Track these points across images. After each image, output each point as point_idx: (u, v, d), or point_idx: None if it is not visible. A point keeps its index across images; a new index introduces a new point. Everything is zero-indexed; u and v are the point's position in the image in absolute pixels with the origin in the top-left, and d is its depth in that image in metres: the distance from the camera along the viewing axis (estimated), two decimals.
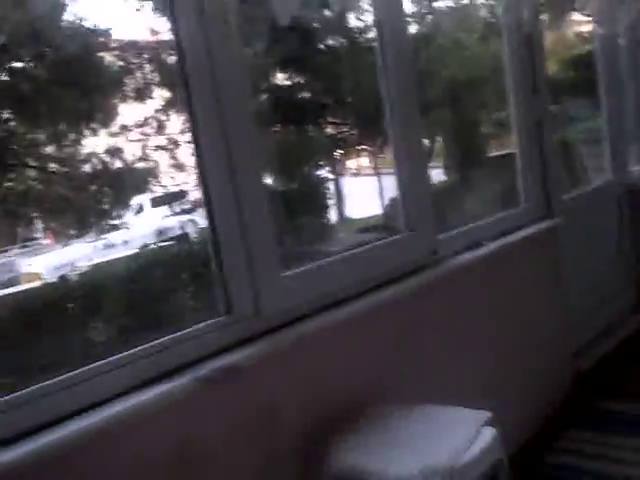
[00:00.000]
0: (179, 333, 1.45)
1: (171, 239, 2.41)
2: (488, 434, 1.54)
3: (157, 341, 1.41)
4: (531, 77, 2.61)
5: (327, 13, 2.10)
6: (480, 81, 3.31)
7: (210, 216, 1.52)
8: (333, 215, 3.04)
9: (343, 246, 2.48)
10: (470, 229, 2.39)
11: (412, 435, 1.59)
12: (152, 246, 2.27)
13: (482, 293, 2.31)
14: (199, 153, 1.51)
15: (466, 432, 1.55)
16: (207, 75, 1.46)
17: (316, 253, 2.44)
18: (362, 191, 3.24)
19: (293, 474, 1.60)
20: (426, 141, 3.41)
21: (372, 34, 2.04)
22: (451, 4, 2.33)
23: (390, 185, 2.24)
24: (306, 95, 2.96)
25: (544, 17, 2.45)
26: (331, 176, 3.09)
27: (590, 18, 2.73)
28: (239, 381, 1.47)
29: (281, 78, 2.84)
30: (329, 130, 3.15)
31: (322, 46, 2.84)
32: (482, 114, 3.58)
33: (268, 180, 2.55)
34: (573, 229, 2.91)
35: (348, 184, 3.14)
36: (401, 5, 2.00)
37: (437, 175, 3.44)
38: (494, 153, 3.67)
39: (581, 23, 3.58)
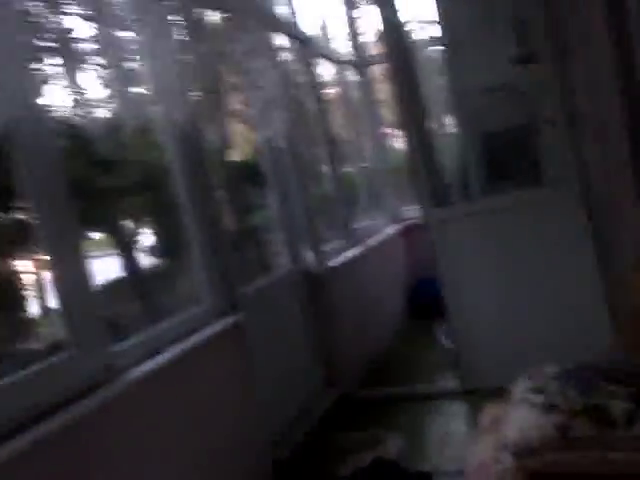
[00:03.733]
0: None
1: None
2: None
3: None
4: (198, 171, 2.65)
5: None
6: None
7: None
8: (34, 309, 2.63)
9: (47, 342, 2.16)
10: (152, 333, 2.26)
11: None
12: None
13: (168, 401, 2.16)
14: None
15: None
16: None
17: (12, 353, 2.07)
18: None
19: None
20: (131, 225, 3.25)
21: None
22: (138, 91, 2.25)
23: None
24: None
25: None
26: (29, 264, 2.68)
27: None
28: None
29: None
30: (20, 216, 2.77)
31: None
32: None
33: None
34: (260, 318, 2.97)
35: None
36: (36, 95, 1.84)
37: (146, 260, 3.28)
38: None
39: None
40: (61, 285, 1.87)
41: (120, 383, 1.93)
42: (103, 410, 1.82)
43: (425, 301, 4.88)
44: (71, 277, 1.89)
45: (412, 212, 5.47)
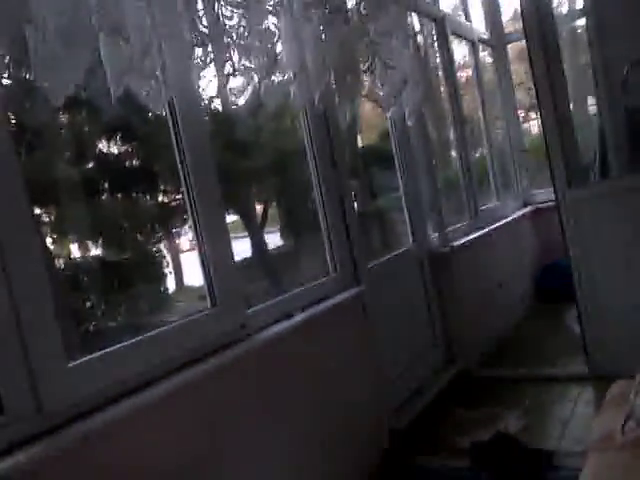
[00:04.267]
0: None
1: None
2: None
3: None
4: (329, 153, 2.78)
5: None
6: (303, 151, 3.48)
7: None
8: (172, 284, 2.94)
9: (183, 314, 2.41)
10: (281, 300, 2.43)
11: None
12: None
13: (294, 363, 2.33)
14: None
15: None
16: None
17: (150, 324, 2.35)
18: None
19: None
20: (259, 207, 3.49)
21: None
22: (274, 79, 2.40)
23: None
24: (135, 163, 2.90)
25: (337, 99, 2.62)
26: (167, 244, 2.99)
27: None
28: None
29: (107, 146, 2.75)
30: (162, 199, 3.09)
31: (149, 115, 2.81)
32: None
33: (97, 251, 2.44)
34: (383, 292, 3.08)
35: (189, 251, 3.07)
36: (195, 80, 2.02)
37: (274, 239, 3.51)
38: None
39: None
40: (207, 258, 2.06)
41: (252, 341, 2.11)
42: (237, 363, 2.01)
43: (553, 285, 4.75)
44: (216, 252, 2.07)
45: (543, 195, 5.31)
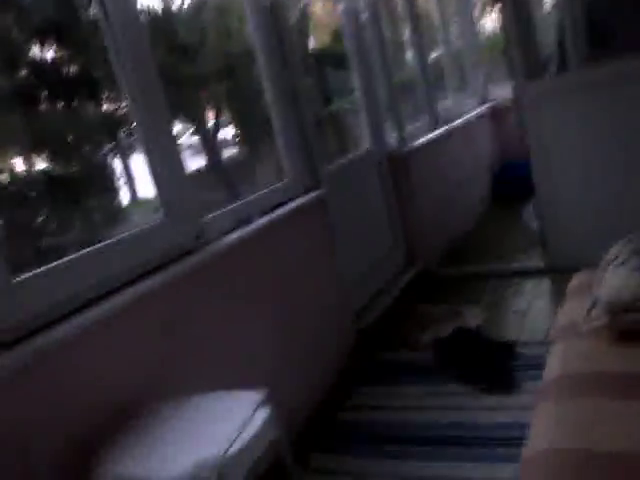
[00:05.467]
0: None
1: None
2: (262, 415, 1.51)
3: None
4: (279, 52, 2.62)
5: None
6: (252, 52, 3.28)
7: None
8: (125, 197, 2.81)
9: (137, 227, 2.33)
10: (238, 207, 2.34)
11: (185, 430, 1.50)
12: None
13: (255, 269, 2.28)
14: None
15: (240, 417, 1.49)
16: None
17: (104, 238, 2.25)
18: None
19: None
20: (211, 114, 3.32)
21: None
22: None
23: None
24: (72, 70, 2.70)
25: None
26: (118, 155, 2.83)
27: None
28: None
29: (40, 52, 2.53)
30: (106, 107, 2.90)
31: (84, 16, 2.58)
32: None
33: (43, 165, 2.27)
34: (342, 196, 3.02)
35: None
36: None
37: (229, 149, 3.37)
38: None
39: None
40: (156, 167, 1.95)
41: (209, 250, 2.03)
42: (194, 273, 1.94)
43: (510, 184, 4.78)
44: (165, 160, 1.96)
45: (499, 91, 5.23)
